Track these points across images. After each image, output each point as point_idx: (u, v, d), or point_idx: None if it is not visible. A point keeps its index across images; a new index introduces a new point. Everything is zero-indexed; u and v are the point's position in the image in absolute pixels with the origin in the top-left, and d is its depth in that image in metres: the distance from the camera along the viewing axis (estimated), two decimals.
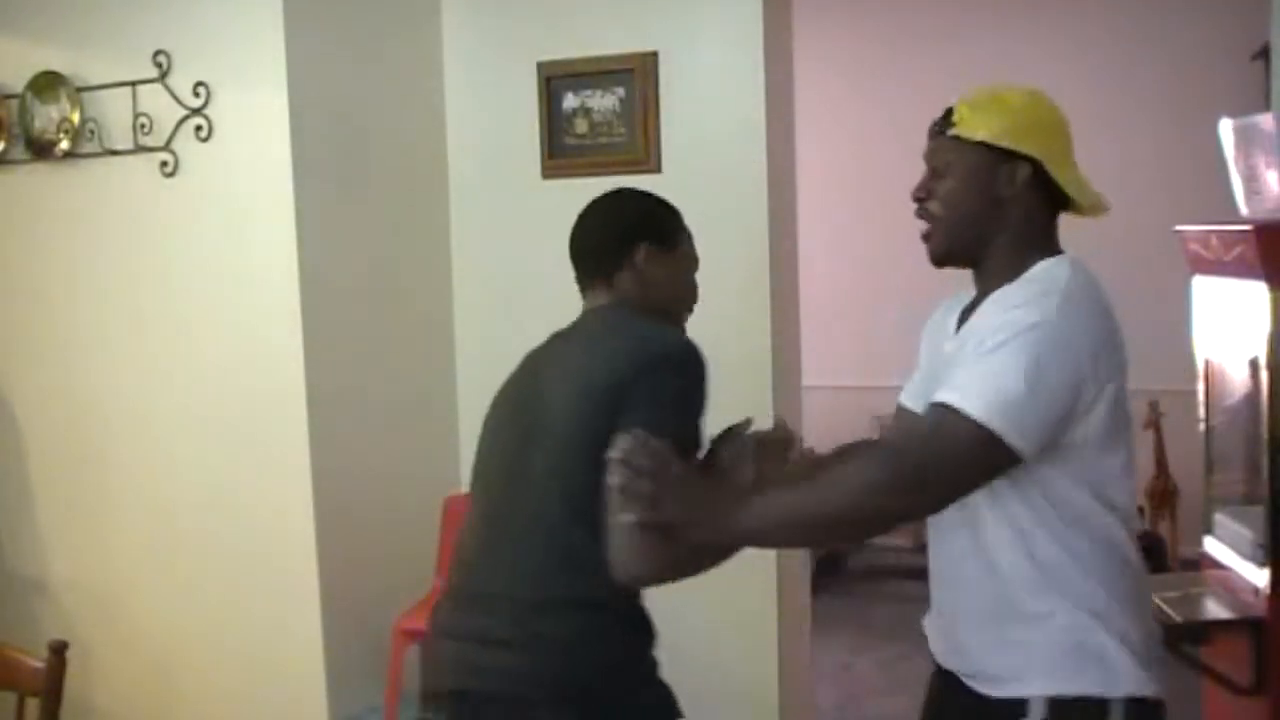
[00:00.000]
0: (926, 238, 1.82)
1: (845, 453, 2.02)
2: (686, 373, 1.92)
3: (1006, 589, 1.72)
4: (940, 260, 1.82)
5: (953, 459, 1.60)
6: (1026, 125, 1.76)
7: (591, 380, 1.90)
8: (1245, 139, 2.86)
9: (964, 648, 1.80)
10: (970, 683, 1.78)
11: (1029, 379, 1.58)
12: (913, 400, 1.96)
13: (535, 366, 2.07)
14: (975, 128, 1.76)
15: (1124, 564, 1.74)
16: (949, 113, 1.80)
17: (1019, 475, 1.66)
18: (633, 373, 1.87)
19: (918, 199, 1.82)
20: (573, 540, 1.85)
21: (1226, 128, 2.94)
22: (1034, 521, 1.70)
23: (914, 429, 1.76)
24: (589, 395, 1.88)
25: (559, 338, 2.10)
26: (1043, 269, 1.74)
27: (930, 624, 1.91)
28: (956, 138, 1.77)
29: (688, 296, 2.16)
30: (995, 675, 1.75)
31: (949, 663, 1.84)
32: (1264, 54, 4.10)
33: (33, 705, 2.08)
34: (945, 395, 1.62)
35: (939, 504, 1.67)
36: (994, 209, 1.76)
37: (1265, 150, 2.76)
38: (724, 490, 1.75)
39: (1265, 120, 2.80)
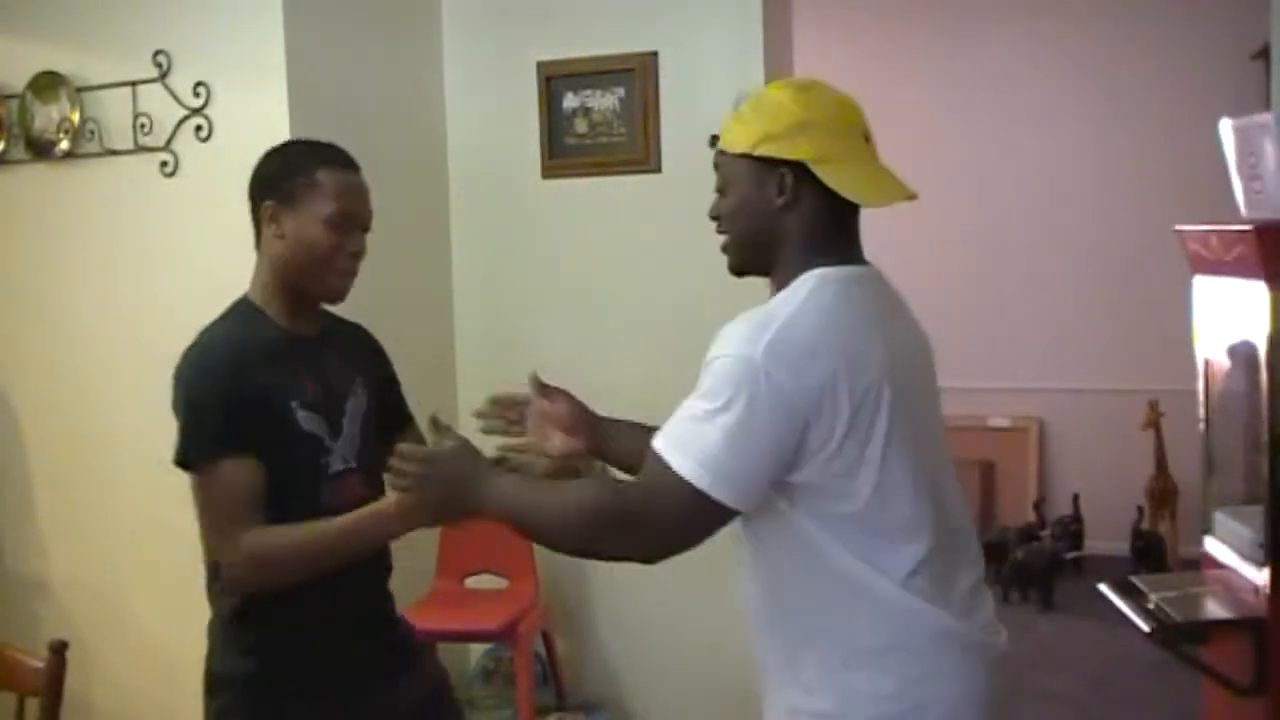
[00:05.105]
0: (723, 251, 1.75)
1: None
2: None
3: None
4: (738, 273, 1.77)
5: (659, 512, 1.54)
6: (786, 128, 1.63)
7: None
8: (1245, 139, 2.86)
9: None
10: None
11: (732, 433, 1.50)
12: None
13: None
14: (734, 141, 1.66)
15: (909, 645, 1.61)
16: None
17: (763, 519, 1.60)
18: None
19: (713, 218, 1.74)
20: None
21: (1226, 128, 2.94)
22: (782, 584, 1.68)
23: (646, 471, 1.60)
24: None
25: None
26: (793, 287, 1.62)
27: None
28: (723, 152, 1.69)
29: (315, 263, 2.04)
30: None
31: None
32: (1264, 54, 4.10)
33: (33, 705, 2.08)
34: (659, 441, 1.55)
35: (654, 550, 1.59)
36: (774, 220, 1.66)
37: (1265, 150, 2.76)
38: (478, 464, 1.70)
39: (1265, 120, 2.80)
